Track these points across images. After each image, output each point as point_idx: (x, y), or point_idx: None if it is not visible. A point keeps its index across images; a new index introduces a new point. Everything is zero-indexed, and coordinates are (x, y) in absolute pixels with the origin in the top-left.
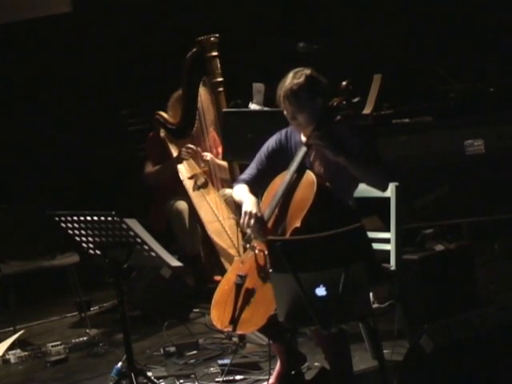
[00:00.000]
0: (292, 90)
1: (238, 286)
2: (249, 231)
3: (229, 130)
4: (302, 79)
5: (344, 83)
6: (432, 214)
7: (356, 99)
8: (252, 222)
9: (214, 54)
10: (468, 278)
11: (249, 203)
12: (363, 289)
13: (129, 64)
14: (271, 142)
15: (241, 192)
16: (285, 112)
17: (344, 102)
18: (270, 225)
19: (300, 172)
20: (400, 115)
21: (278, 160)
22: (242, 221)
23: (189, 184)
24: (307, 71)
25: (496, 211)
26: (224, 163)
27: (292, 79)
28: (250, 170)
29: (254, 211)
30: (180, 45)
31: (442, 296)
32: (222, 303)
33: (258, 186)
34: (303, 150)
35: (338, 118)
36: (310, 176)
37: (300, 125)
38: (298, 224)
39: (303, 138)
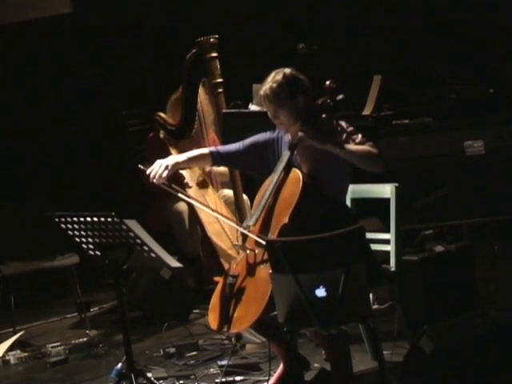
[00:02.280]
0: (271, 88)
1: (230, 286)
2: (155, 180)
3: (228, 130)
4: (280, 77)
5: (327, 82)
6: (432, 215)
7: (340, 97)
8: (159, 171)
9: (214, 55)
10: (468, 279)
11: (170, 159)
12: (363, 290)
13: (129, 65)
14: (261, 135)
15: (190, 152)
16: (268, 113)
17: (328, 101)
18: (259, 223)
19: (287, 171)
20: (400, 116)
21: (258, 153)
22: (149, 170)
23: (189, 184)
24: (286, 70)
25: (496, 212)
26: (224, 169)
27: (271, 78)
28: (229, 146)
29: (166, 164)
30: (180, 46)
31: (442, 297)
32: (218, 306)
33: (223, 161)
34: (290, 149)
35: (324, 116)
36: (295, 173)
37: (283, 123)
38: (285, 220)
39: (290, 139)
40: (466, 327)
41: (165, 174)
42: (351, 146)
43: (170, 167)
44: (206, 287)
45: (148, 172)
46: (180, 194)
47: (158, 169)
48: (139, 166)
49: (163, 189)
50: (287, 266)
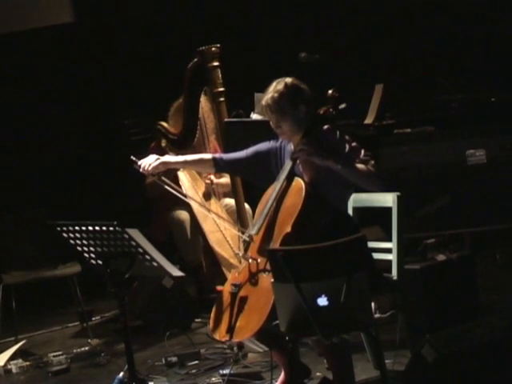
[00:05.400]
0: (273, 98)
1: (233, 295)
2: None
3: (230, 139)
4: (281, 87)
5: (330, 91)
6: (434, 224)
7: (342, 106)
8: (150, 161)
9: (215, 64)
10: (470, 288)
11: (166, 156)
12: (365, 299)
13: (131, 74)
14: (264, 144)
15: (190, 156)
16: (271, 122)
17: (331, 110)
18: (262, 232)
19: (289, 180)
20: (402, 125)
21: (261, 161)
22: (140, 161)
23: (191, 194)
24: (288, 79)
25: (497, 221)
26: (225, 181)
27: (273, 88)
28: (232, 154)
29: (159, 157)
30: (181, 55)
31: (444, 306)
32: (220, 314)
33: (226, 168)
34: (292, 159)
35: (326, 126)
36: (298, 182)
37: (285, 133)
38: (288, 229)
39: (292, 148)
40: (468, 336)
41: (155, 164)
42: (352, 165)
43: (161, 160)
44: (207, 296)
45: (139, 163)
46: (170, 189)
47: (149, 160)
48: (131, 157)
49: (165, 196)
50: (289, 275)
